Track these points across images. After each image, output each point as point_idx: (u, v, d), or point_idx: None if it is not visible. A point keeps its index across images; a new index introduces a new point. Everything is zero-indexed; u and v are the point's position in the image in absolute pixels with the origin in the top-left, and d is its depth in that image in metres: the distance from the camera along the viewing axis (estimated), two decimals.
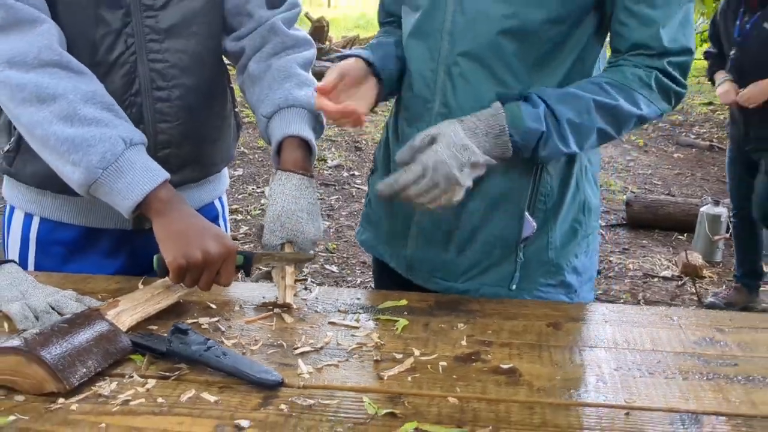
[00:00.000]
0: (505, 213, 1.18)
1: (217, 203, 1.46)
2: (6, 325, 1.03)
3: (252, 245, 3.49)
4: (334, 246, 4.03)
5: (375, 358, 0.96)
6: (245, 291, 1.17)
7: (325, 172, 5.43)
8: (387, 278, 1.34)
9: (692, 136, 6.77)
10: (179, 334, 0.94)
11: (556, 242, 1.20)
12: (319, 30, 9.47)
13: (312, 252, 1.17)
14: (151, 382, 0.89)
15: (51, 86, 1.06)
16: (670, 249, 4.26)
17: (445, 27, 1.13)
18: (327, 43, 9.72)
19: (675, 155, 6.20)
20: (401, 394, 0.87)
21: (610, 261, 4.02)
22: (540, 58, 1.11)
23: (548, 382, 0.91)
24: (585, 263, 1.25)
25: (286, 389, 0.88)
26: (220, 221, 1.47)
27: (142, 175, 1.06)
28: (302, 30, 1.37)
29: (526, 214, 1.17)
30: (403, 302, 1.13)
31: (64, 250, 1.31)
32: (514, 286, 1.20)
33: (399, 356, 0.96)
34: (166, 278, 1.09)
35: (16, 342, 0.88)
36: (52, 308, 1.05)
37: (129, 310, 1.01)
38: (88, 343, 0.91)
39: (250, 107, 1.32)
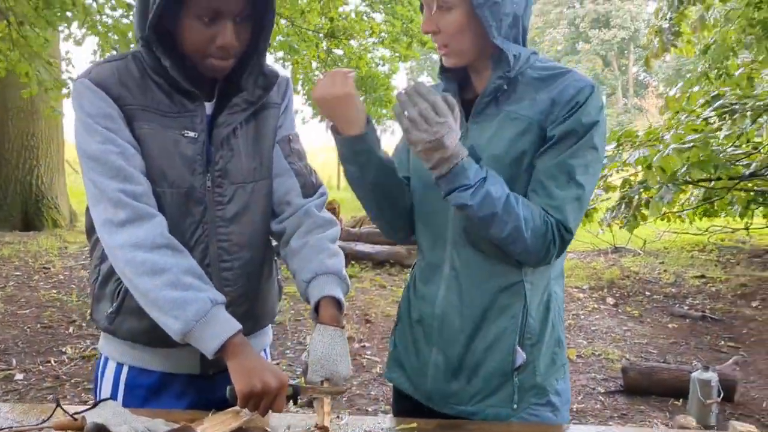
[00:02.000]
0: (501, 350, 1.56)
1: (262, 353, 1.83)
2: None
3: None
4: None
5: None
6: (291, 418, 1.52)
7: None
8: (405, 404, 1.71)
9: (685, 307, 7.11)
10: None
11: (541, 369, 1.57)
12: (331, 212, 10.10)
13: (344, 386, 1.53)
14: None
15: (161, 263, 1.47)
16: (667, 414, 4.48)
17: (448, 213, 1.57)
18: (338, 223, 10.33)
19: (669, 325, 6.52)
20: None
21: (609, 425, 4.25)
22: None
23: None
24: (563, 387, 1.62)
25: None
26: None
27: (222, 326, 1.45)
28: (328, 212, 1.79)
29: (517, 347, 1.55)
30: (414, 425, 1.48)
31: (146, 392, 1.66)
32: (515, 405, 1.55)
33: None
34: (236, 406, 1.45)
35: None
36: (150, 430, 1.40)
37: (210, 428, 1.36)
38: None
39: (291, 274, 1.73)
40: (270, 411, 1.44)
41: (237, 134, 1.63)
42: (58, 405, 1.48)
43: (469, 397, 1.59)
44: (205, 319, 1.45)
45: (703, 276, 8.61)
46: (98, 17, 6.86)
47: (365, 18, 11.42)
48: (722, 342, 6.00)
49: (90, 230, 1.67)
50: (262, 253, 1.73)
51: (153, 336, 1.58)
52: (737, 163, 7.54)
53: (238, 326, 1.48)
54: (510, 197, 1.47)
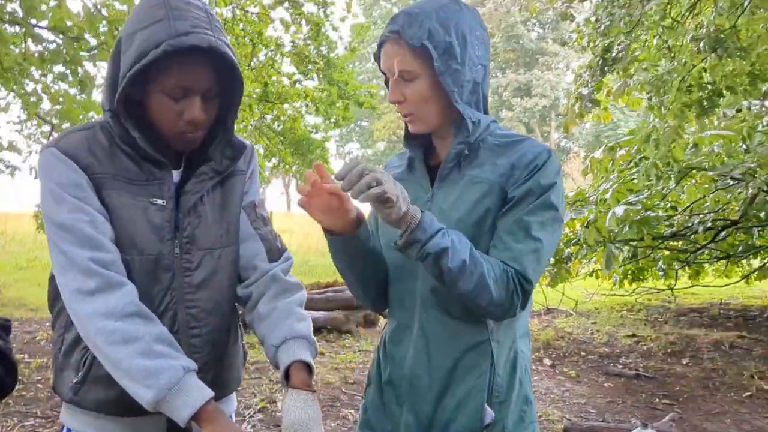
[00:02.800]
0: (470, 408, 1.58)
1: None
2: None
3: None
4: None
5: None
6: None
7: None
8: None
9: (620, 366, 7.26)
10: None
11: (510, 427, 1.59)
12: None
13: None
14: None
15: (132, 331, 1.45)
16: None
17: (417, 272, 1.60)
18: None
19: (605, 384, 6.64)
20: None
21: None
22: None
23: None
24: None
25: None
26: None
27: (195, 394, 1.43)
28: (294, 276, 1.80)
29: (486, 406, 1.56)
30: None
31: None
32: None
33: None
34: None
35: None
36: None
37: None
38: None
39: (258, 339, 1.72)
40: None
41: (204, 201, 1.65)
42: None
43: None
44: (177, 387, 1.43)
45: (634, 335, 8.83)
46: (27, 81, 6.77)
47: (299, 85, 11.59)
48: (657, 399, 6.13)
49: (54, 299, 1.64)
50: (229, 318, 1.72)
51: (119, 405, 1.55)
52: (660, 224, 7.86)
53: (211, 393, 1.46)
54: (473, 248, 1.51)
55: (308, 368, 1.61)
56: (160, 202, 1.59)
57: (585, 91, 8.42)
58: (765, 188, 7.47)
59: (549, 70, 40.65)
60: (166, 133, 1.58)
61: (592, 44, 8.34)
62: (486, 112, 1.65)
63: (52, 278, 1.62)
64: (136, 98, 1.56)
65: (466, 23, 1.58)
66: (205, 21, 1.52)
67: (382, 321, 8.67)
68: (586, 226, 6.96)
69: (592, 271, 9.90)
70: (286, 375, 1.61)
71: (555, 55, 40.81)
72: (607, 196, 6.98)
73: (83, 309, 1.47)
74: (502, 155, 1.61)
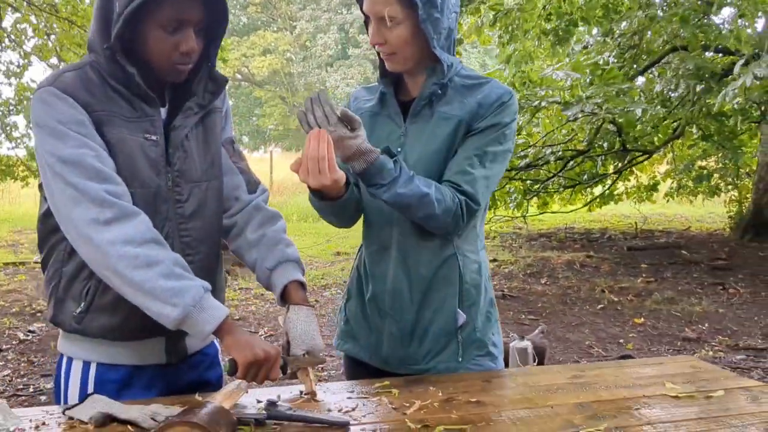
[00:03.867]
0: (445, 313, 1.83)
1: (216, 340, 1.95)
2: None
3: None
4: None
5: (393, 406, 1.54)
6: (279, 389, 1.69)
7: None
8: (359, 370, 1.94)
9: None
10: (270, 405, 1.46)
11: (479, 326, 1.85)
12: None
13: (323, 357, 1.72)
14: None
15: (153, 255, 1.55)
16: None
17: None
18: None
19: None
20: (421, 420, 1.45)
21: None
22: None
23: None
24: (498, 339, 1.90)
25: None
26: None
27: (216, 310, 1.57)
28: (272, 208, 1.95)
29: (458, 310, 1.82)
30: (386, 383, 1.71)
31: (116, 386, 1.71)
32: (460, 359, 1.83)
33: (406, 404, 1.55)
34: (229, 385, 1.59)
35: (181, 418, 1.35)
36: (157, 413, 1.50)
37: (223, 401, 1.50)
38: (216, 415, 1.39)
39: (247, 264, 1.87)
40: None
41: (189, 137, 1.75)
42: (66, 410, 1.54)
43: (422, 356, 1.84)
44: (200, 304, 1.56)
45: (495, 259, 9.48)
46: None
47: None
48: (523, 316, 6.72)
49: (46, 237, 1.71)
50: (217, 247, 1.86)
51: (123, 330, 1.67)
52: (514, 156, 8.42)
53: (227, 310, 1.62)
54: (423, 190, 1.72)
55: (303, 287, 1.80)
56: (153, 137, 1.68)
57: None
58: (609, 120, 8.19)
59: None
60: (161, 67, 1.65)
61: None
62: (453, 54, 1.85)
63: (43, 218, 1.69)
64: (126, 35, 1.61)
65: None
66: None
67: None
68: None
69: None
70: (282, 295, 1.79)
71: None
72: None
73: (102, 237, 1.54)
74: (469, 95, 1.83)
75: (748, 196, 11.70)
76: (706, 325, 6.33)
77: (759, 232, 10.70)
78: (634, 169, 11.40)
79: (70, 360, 1.75)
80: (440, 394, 1.62)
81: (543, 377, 1.80)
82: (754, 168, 11.43)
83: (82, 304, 1.68)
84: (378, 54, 1.84)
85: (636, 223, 12.77)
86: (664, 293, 7.39)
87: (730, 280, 8.02)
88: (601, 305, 7.03)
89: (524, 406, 1.56)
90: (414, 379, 1.76)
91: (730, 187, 12.28)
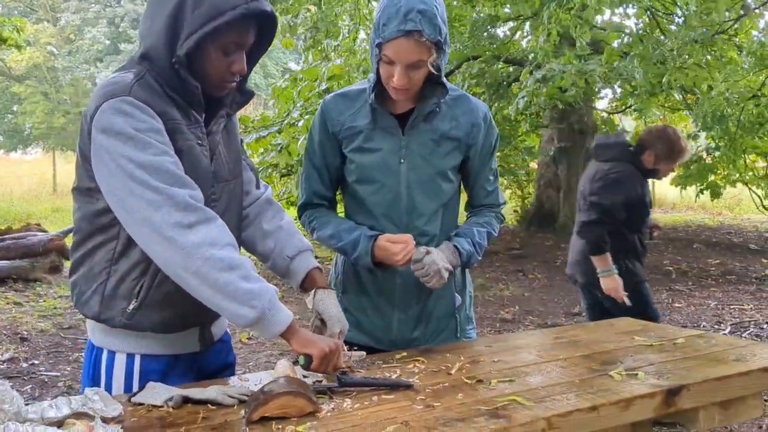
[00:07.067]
0: (446, 298, 2.15)
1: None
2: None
3: None
4: None
5: (433, 369, 1.82)
6: None
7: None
8: None
9: None
10: (341, 374, 1.70)
11: (467, 306, 2.20)
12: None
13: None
14: (347, 401, 1.60)
15: (235, 258, 1.67)
16: None
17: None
18: None
19: None
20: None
21: None
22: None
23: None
24: (473, 314, 2.27)
25: None
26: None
27: (285, 312, 1.72)
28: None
29: (456, 294, 2.15)
30: (405, 354, 1.99)
31: (158, 376, 1.81)
32: (458, 334, 2.15)
33: (443, 367, 1.84)
34: (278, 367, 1.78)
35: (283, 389, 1.54)
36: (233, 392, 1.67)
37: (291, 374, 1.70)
38: (303, 386, 1.58)
39: (261, 253, 2.04)
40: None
41: (219, 140, 1.90)
42: (131, 398, 1.65)
43: (428, 337, 2.14)
44: (275, 307, 1.70)
45: None
46: None
47: None
48: None
49: (92, 234, 1.77)
50: (238, 241, 2.02)
51: (168, 324, 1.79)
52: None
53: (291, 313, 1.76)
54: (486, 241, 2.15)
55: (322, 273, 2.02)
56: (203, 144, 1.81)
57: None
58: None
59: None
60: (213, 83, 1.77)
61: None
62: None
63: (91, 217, 1.75)
64: (189, 52, 1.70)
65: (444, 9, 1.99)
66: None
67: (67, 265, 8.34)
68: (279, 151, 7.61)
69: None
70: (303, 280, 1.97)
71: None
72: (300, 123, 7.69)
73: (187, 239, 1.62)
74: (456, 108, 2.11)
75: (531, 192, 13.07)
76: (517, 307, 7.15)
77: (542, 223, 12.06)
78: None
79: (112, 354, 1.82)
80: (462, 357, 1.93)
81: (531, 339, 2.19)
82: (536, 166, 12.82)
83: (133, 302, 1.76)
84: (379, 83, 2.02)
85: None
86: (475, 281, 8.16)
87: (527, 267, 9.04)
88: None
89: (544, 360, 1.89)
90: (425, 350, 2.04)
91: (514, 184, 13.53)
